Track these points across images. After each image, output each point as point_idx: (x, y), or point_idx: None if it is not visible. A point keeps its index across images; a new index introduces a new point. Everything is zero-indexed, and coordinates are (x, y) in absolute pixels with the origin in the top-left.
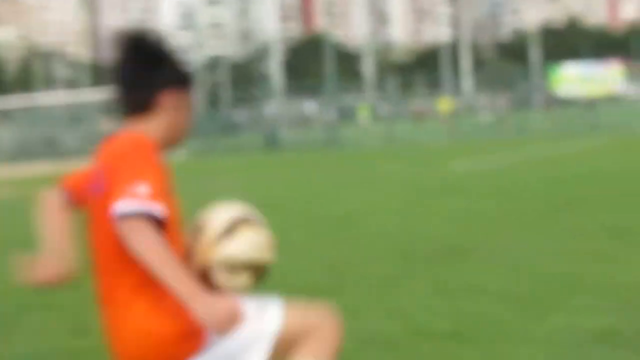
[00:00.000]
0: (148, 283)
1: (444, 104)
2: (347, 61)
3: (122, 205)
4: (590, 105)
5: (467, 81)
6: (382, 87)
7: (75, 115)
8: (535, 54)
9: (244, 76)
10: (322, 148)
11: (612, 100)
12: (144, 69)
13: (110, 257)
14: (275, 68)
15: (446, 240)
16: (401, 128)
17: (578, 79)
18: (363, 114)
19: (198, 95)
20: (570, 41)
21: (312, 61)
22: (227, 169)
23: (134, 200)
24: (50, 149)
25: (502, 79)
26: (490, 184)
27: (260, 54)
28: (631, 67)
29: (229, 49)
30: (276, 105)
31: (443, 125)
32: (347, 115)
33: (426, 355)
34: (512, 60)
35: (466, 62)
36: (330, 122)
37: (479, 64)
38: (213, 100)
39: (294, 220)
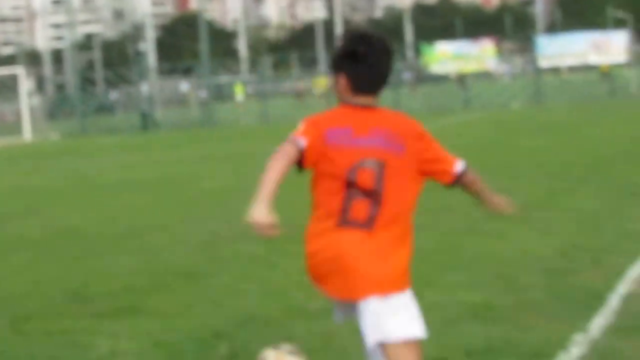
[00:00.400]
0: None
1: (320, 82)
2: (222, 40)
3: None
4: (461, 82)
5: None
6: (256, 65)
7: None
8: (408, 32)
9: (118, 56)
10: (197, 127)
11: (484, 77)
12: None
13: (394, 197)
14: (149, 47)
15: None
16: (277, 106)
17: (451, 57)
18: (239, 92)
19: (70, 75)
20: (443, 19)
21: (187, 40)
22: (102, 149)
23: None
24: None
25: None
26: None
27: (134, 34)
28: (502, 45)
29: (103, 28)
30: (151, 85)
31: (320, 103)
32: (222, 94)
33: (302, 333)
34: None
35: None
36: (205, 101)
37: None
38: (87, 80)
39: (168, 199)
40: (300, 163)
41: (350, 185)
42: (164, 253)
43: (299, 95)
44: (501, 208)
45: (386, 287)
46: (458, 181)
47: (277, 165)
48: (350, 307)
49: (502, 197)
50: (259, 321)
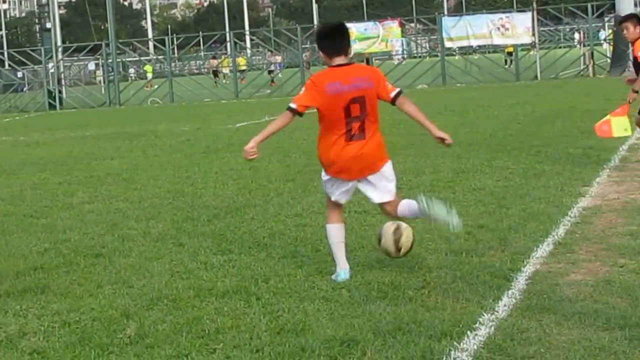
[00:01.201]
0: (378, 124)
1: (226, 62)
2: (128, 19)
3: (394, 92)
4: (366, 63)
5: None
6: (162, 45)
7: None
8: (313, 12)
9: (24, 34)
10: (104, 107)
11: (387, 57)
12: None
13: (371, 113)
14: (55, 26)
15: (226, 199)
16: (182, 86)
17: (358, 38)
18: (149, 72)
19: None
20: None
21: (93, 19)
22: (7, 127)
23: (396, 90)
24: None
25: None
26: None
27: (40, 12)
28: (404, 27)
29: (8, 6)
30: (57, 64)
31: (228, 82)
32: (128, 73)
33: (211, 313)
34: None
35: (245, 20)
36: (111, 80)
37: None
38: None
39: (75, 178)
40: (299, 115)
41: (348, 115)
42: (72, 232)
43: (214, 73)
44: (442, 140)
45: (380, 164)
46: (394, 102)
47: (275, 122)
48: (350, 188)
49: (443, 132)
50: (168, 301)
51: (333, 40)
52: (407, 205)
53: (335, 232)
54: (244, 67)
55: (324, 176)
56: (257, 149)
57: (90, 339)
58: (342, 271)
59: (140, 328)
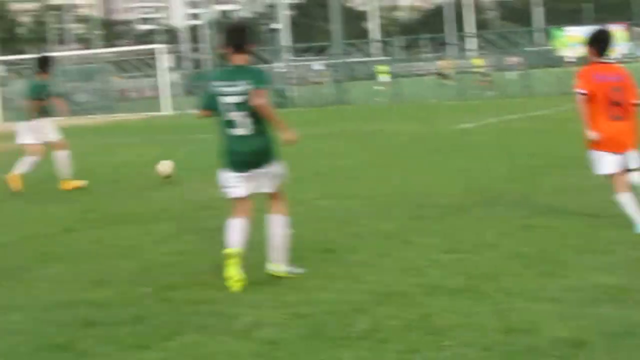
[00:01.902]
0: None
1: (447, 64)
2: (353, 21)
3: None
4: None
5: (471, 42)
6: (387, 47)
7: (87, 71)
8: (539, 15)
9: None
10: (330, 105)
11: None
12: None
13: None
14: (282, 27)
15: (454, 198)
16: (408, 87)
17: (581, 41)
18: (382, 73)
19: (207, 53)
20: (572, 4)
21: (319, 21)
22: None
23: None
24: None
25: (506, 40)
26: (496, 143)
27: (268, 13)
28: (631, 31)
29: (238, 7)
30: (285, 64)
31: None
32: (354, 74)
33: (441, 310)
34: (515, 22)
35: (469, 23)
36: (338, 80)
37: (481, 24)
38: (222, 58)
39: (305, 175)
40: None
41: (610, 101)
42: (303, 228)
43: (441, 74)
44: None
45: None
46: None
47: (582, 110)
48: (620, 158)
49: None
50: (398, 297)
51: (604, 42)
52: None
53: (627, 199)
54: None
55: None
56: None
57: (323, 331)
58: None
59: (372, 323)
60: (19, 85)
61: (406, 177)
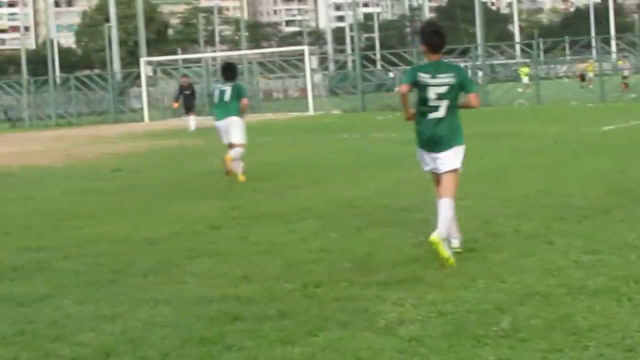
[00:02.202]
0: None
1: (588, 66)
2: (495, 23)
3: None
4: None
5: (613, 45)
6: (529, 49)
7: None
8: None
9: (396, 36)
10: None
11: None
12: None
13: None
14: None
15: (595, 200)
16: (550, 89)
17: None
18: (524, 75)
19: (351, 54)
20: None
21: (462, 23)
22: (381, 125)
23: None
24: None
25: None
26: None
27: (412, 15)
28: None
29: (382, 9)
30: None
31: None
32: (496, 75)
33: (583, 310)
34: None
35: (611, 26)
36: (480, 82)
37: (623, 27)
38: (367, 59)
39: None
40: None
41: None
42: None
43: (581, 77)
44: None
45: None
46: None
47: None
48: None
49: None
50: (540, 297)
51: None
52: None
53: None
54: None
55: None
56: None
57: (465, 329)
58: None
59: (514, 322)
60: (167, 86)
61: (547, 179)
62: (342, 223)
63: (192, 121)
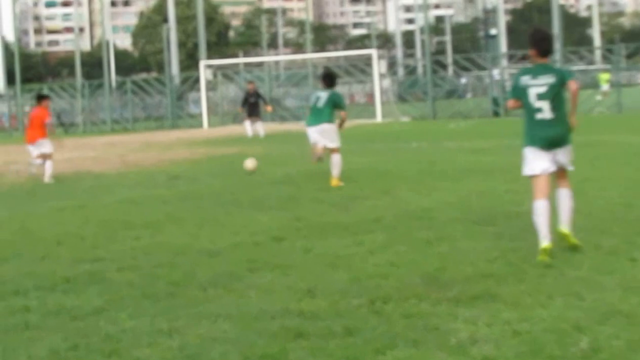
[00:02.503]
0: None
1: None
2: (574, 27)
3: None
4: None
5: None
6: (608, 54)
7: (298, 76)
8: None
9: (468, 40)
10: None
11: None
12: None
13: None
14: (500, 33)
15: None
16: (631, 97)
17: None
18: (604, 81)
19: (421, 59)
20: None
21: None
22: (452, 134)
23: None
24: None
25: None
26: None
27: (485, 18)
28: None
29: (454, 11)
30: (502, 71)
31: None
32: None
33: None
34: None
35: None
36: None
37: None
38: (438, 64)
39: (521, 186)
40: None
41: None
42: (520, 241)
43: None
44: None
45: None
46: None
47: None
48: None
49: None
50: (621, 317)
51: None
52: None
53: None
54: None
55: None
56: None
57: (541, 350)
58: None
59: (593, 342)
60: (227, 91)
61: (629, 191)
62: (412, 235)
63: (249, 126)
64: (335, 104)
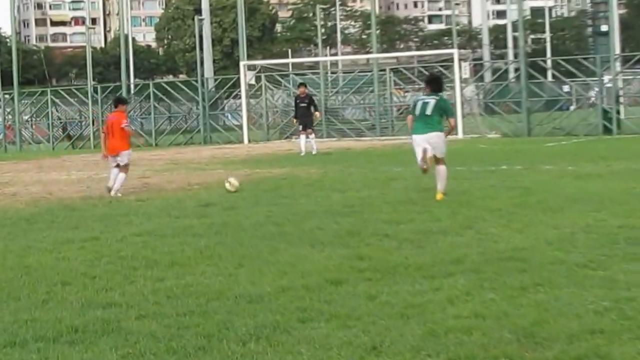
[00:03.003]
0: None
1: None
2: None
3: None
4: None
5: None
6: None
7: (361, 81)
8: None
9: (572, 38)
10: None
11: None
12: None
13: None
14: (612, 29)
15: None
16: None
17: None
18: None
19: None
20: None
21: None
22: (552, 154)
23: None
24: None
25: None
26: None
27: (594, 11)
28: None
29: (555, 2)
30: (614, 77)
31: None
32: None
33: None
34: None
35: None
36: None
37: None
38: (534, 68)
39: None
40: None
41: None
42: (636, 288)
43: None
44: None
45: None
46: None
47: None
48: None
49: None
50: None
51: None
52: None
53: None
54: None
55: None
56: None
57: None
58: None
59: None
60: (273, 98)
61: None
62: (501, 281)
63: (303, 141)
64: (443, 110)
